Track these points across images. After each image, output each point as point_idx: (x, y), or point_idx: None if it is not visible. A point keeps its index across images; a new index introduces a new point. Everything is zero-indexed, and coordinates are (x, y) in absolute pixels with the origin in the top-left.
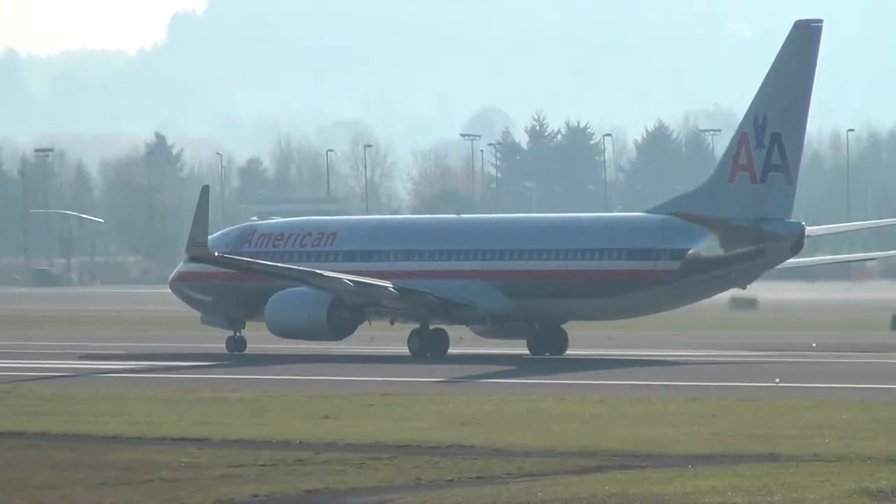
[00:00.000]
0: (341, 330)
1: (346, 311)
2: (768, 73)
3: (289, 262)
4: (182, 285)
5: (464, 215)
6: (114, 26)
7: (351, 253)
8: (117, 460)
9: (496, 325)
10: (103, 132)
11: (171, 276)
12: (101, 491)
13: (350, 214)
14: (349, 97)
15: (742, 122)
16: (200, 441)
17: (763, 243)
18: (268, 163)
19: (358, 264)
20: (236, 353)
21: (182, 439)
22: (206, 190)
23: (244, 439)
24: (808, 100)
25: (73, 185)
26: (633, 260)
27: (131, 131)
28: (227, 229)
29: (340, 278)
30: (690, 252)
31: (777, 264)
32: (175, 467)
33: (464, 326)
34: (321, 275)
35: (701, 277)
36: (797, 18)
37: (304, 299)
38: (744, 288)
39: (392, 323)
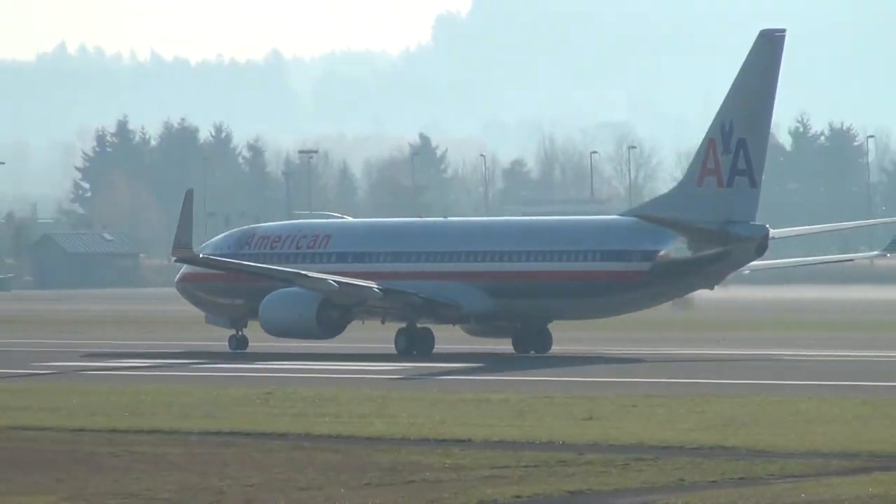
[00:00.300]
0: (330, 329)
1: (335, 311)
2: (734, 81)
3: (285, 263)
4: (187, 285)
5: (450, 218)
6: (378, 28)
7: (343, 254)
8: (380, 461)
9: (483, 325)
10: (367, 133)
11: (177, 276)
12: (365, 492)
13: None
14: (614, 98)
15: (710, 128)
16: (463, 442)
17: (729, 245)
18: (532, 164)
19: (349, 265)
20: (240, 352)
21: (445, 440)
22: (190, 194)
23: (506, 440)
24: (771, 106)
25: (337, 186)
26: (605, 261)
27: (395, 132)
28: (229, 232)
29: (325, 279)
30: (661, 254)
31: (743, 265)
32: (438, 468)
33: (452, 326)
34: (306, 275)
35: (671, 278)
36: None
37: (295, 299)
38: (711, 288)
39: (383, 322)
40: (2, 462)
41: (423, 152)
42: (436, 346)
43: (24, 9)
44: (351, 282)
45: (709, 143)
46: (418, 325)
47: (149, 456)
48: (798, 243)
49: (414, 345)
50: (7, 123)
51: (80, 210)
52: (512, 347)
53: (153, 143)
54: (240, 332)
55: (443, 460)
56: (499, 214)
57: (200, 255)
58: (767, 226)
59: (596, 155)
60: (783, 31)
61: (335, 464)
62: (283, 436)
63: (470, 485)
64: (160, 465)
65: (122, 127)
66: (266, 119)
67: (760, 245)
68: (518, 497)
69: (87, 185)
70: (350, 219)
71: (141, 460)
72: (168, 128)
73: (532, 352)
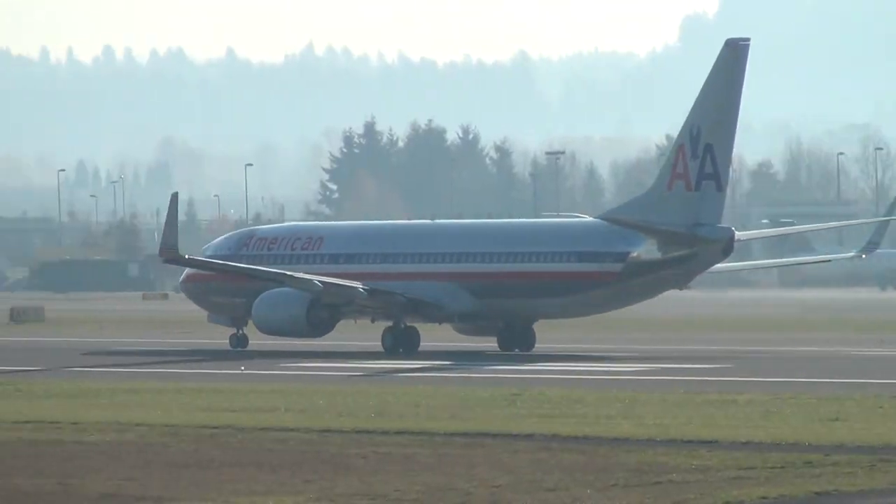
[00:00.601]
0: (319, 328)
1: (323, 311)
2: (702, 88)
3: (281, 264)
4: (190, 286)
5: (437, 220)
6: (625, 29)
7: (334, 256)
8: (626, 462)
9: (468, 324)
10: (614, 134)
11: (181, 277)
12: (611, 493)
13: (859, 218)
14: (860, 100)
15: (679, 133)
16: (709, 443)
17: (696, 247)
18: (778, 165)
19: (340, 266)
20: (239, 350)
21: (691, 441)
22: (175, 197)
23: (753, 441)
24: (736, 113)
25: (584, 188)
26: (580, 262)
27: (642, 134)
28: (230, 234)
29: (310, 279)
30: (632, 255)
31: (710, 266)
32: (684, 470)
33: (439, 325)
34: (292, 276)
35: (642, 279)
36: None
37: (286, 299)
38: (681, 289)
39: (373, 321)
40: (251, 463)
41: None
42: (422, 345)
43: (271, 11)
44: (336, 282)
45: (678, 148)
46: (405, 325)
47: (396, 456)
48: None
49: (400, 343)
50: (255, 125)
51: (328, 211)
52: (497, 346)
53: (400, 144)
54: (240, 331)
55: (689, 461)
56: (745, 215)
57: (186, 256)
58: (733, 228)
59: (842, 157)
60: (748, 39)
61: (581, 465)
62: (529, 437)
63: (716, 486)
64: (407, 466)
65: (370, 128)
66: (513, 120)
67: (726, 247)
68: (764, 498)
69: (334, 187)
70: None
71: (388, 461)
72: (415, 129)
73: (517, 350)
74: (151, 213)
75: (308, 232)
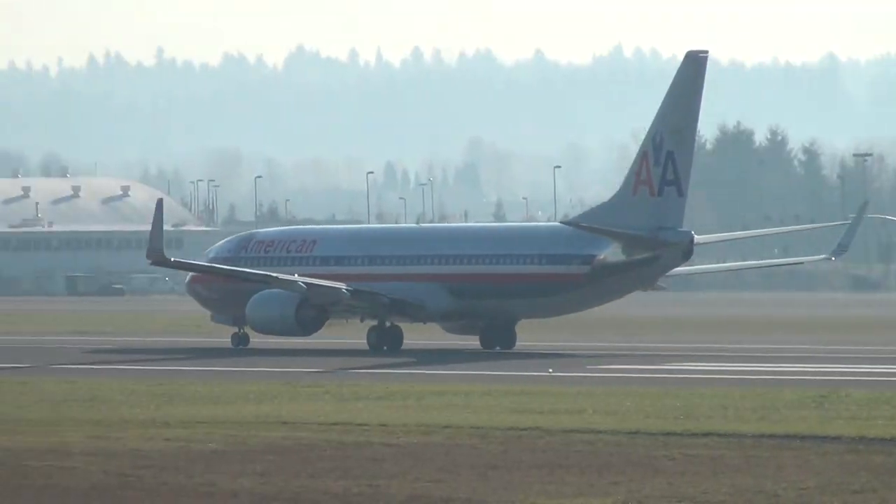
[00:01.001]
0: (308, 327)
1: (311, 310)
2: (664, 98)
3: (276, 265)
4: (195, 286)
5: (423, 225)
6: None
7: (325, 258)
8: None
9: (448, 323)
10: None
11: (186, 279)
12: None
13: None
14: None
15: (643, 141)
16: None
17: (658, 250)
18: None
19: (331, 268)
20: (241, 348)
21: None
22: (160, 203)
23: None
24: (695, 122)
25: (892, 190)
26: (550, 265)
27: None
28: (232, 237)
29: (295, 280)
30: (598, 258)
31: (672, 268)
32: None
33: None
34: (276, 277)
35: (608, 280)
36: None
37: (277, 299)
38: (645, 290)
39: (361, 320)
40: (559, 464)
41: None
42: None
43: (581, 12)
44: (319, 283)
45: (642, 155)
46: (389, 324)
47: (703, 458)
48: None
49: (384, 341)
50: (562, 126)
51: None
52: (479, 344)
53: (708, 146)
54: (241, 330)
55: None
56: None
57: (171, 259)
58: (692, 232)
59: None
60: (706, 52)
61: (890, 467)
62: (836, 439)
63: None
64: (715, 468)
65: None
66: (821, 122)
67: (686, 250)
68: None
69: None
70: None
71: (695, 463)
72: (723, 130)
73: (497, 347)
74: (460, 215)
75: (303, 235)
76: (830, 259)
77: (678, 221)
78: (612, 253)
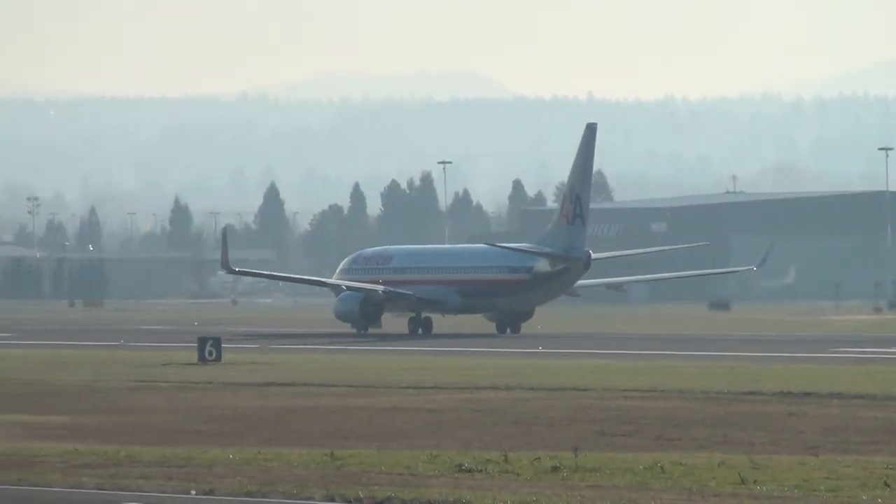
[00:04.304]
0: (369, 318)
1: (370, 306)
2: (575, 156)
3: (372, 274)
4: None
5: (446, 245)
6: None
7: (397, 269)
8: None
9: (459, 315)
10: None
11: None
12: None
13: None
14: None
15: (567, 184)
16: None
17: (569, 263)
18: None
19: (400, 275)
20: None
21: None
22: (224, 231)
23: None
24: (590, 173)
25: None
26: (507, 273)
27: None
28: (356, 253)
29: (340, 283)
30: (535, 268)
31: (578, 279)
32: None
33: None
34: (323, 281)
35: (541, 285)
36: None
37: (348, 298)
38: (568, 294)
39: (403, 312)
40: None
41: None
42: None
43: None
44: (359, 285)
45: (565, 195)
46: (423, 315)
47: None
48: None
49: (419, 327)
50: None
51: None
52: (495, 329)
53: None
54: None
55: None
56: None
57: (236, 269)
58: (590, 250)
59: None
60: (595, 123)
61: None
62: None
63: None
64: None
65: None
66: None
67: (585, 264)
68: None
69: None
70: None
71: None
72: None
73: (508, 331)
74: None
75: (386, 252)
76: (753, 269)
77: (582, 243)
78: (542, 265)
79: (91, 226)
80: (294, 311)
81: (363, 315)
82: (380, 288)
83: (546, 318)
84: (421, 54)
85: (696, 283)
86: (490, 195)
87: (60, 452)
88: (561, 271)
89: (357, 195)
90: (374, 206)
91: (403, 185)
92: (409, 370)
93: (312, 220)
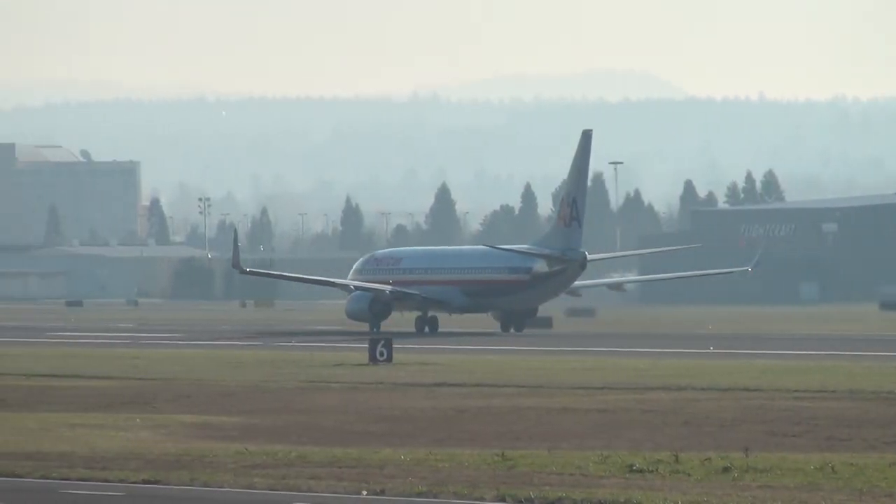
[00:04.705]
0: (378, 316)
1: (379, 305)
2: (572, 162)
3: (382, 276)
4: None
5: (453, 247)
6: None
7: (406, 269)
8: None
9: (464, 313)
10: None
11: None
12: None
13: None
14: None
15: (564, 188)
16: None
17: (565, 264)
18: None
19: (409, 276)
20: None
21: None
22: (235, 231)
23: None
24: (586, 178)
25: None
26: (509, 273)
27: None
28: (367, 255)
29: (349, 284)
30: (533, 269)
31: (575, 279)
32: None
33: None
34: (333, 281)
35: (540, 284)
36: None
37: (359, 297)
38: (566, 292)
39: (412, 311)
40: None
41: None
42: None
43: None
44: (367, 285)
45: (562, 200)
46: (429, 314)
47: None
48: None
49: (425, 325)
50: None
51: None
52: (500, 328)
53: None
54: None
55: None
56: None
57: (247, 270)
58: (585, 251)
59: None
60: (590, 130)
61: None
62: None
63: None
64: None
65: None
66: None
67: (581, 264)
68: None
69: None
70: None
71: None
72: None
73: (512, 329)
74: None
75: (397, 254)
76: (748, 270)
77: (578, 244)
78: (540, 265)
79: (262, 226)
80: None
81: (373, 314)
82: (387, 288)
83: (717, 318)
84: (593, 55)
85: (866, 284)
86: (661, 196)
87: (232, 453)
88: (558, 272)
89: (528, 195)
90: (544, 207)
91: None
92: (580, 370)
93: (483, 220)
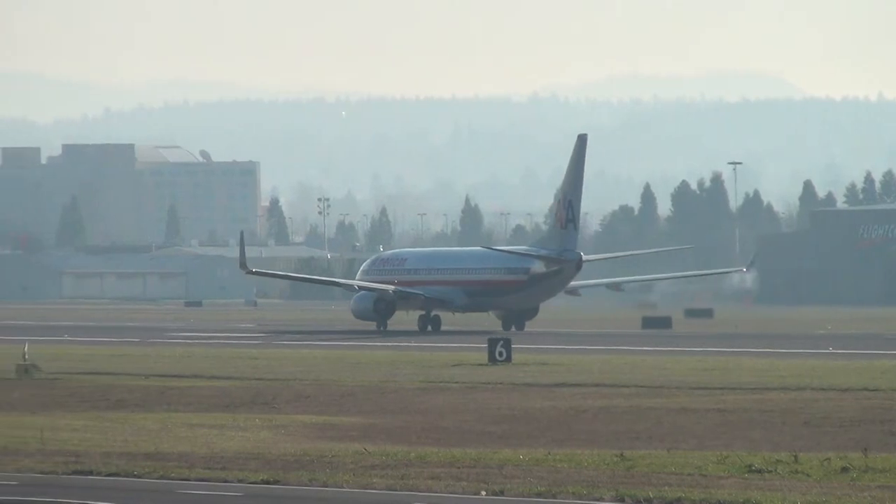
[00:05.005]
0: (383, 315)
1: (383, 304)
2: (568, 165)
3: (387, 276)
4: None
5: (455, 248)
6: None
7: (411, 270)
8: None
9: (467, 312)
10: None
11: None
12: None
13: None
14: None
15: (560, 191)
16: None
17: (562, 265)
18: None
19: (413, 276)
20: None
21: None
22: (241, 235)
23: None
24: (581, 180)
25: None
26: (508, 274)
27: None
28: (374, 256)
29: (353, 283)
30: (531, 269)
31: (571, 279)
32: None
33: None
34: (337, 281)
35: (537, 284)
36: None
37: (364, 296)
38: (567, 293)
39: (416, 310)
40: None
41: None
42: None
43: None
44: (371, 285)
45: (558, 202)
46: (432, 313)
47: None
48: None
49: (427, 324)
50: None
51: None
52: (501, 326)
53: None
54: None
55: None
56: None
57: (254, 270)
58: (581, 252)
59: None
60: (585, 134)
61: None
62: None
63: None
64: None
65: None
66: None
67: (577, 266)
68: None
69: None
70: None
71: None
72: None
73: (513, 327)
74: None
75: (401, 255)
76: (743, 270)
77: (574, 245)
78: (537, 266)
79: (381, 226)
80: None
81: (377, 313)
82: (391, 288)
83: (837, 319)
84: (712, 55)
85: None
86: (780, 196)
87: (351, 453)
88: (555, 272)
89: (647, 196)
90: (664, 207)
91: (693, 186)
92: (698, 371)
93: (602, 220)
